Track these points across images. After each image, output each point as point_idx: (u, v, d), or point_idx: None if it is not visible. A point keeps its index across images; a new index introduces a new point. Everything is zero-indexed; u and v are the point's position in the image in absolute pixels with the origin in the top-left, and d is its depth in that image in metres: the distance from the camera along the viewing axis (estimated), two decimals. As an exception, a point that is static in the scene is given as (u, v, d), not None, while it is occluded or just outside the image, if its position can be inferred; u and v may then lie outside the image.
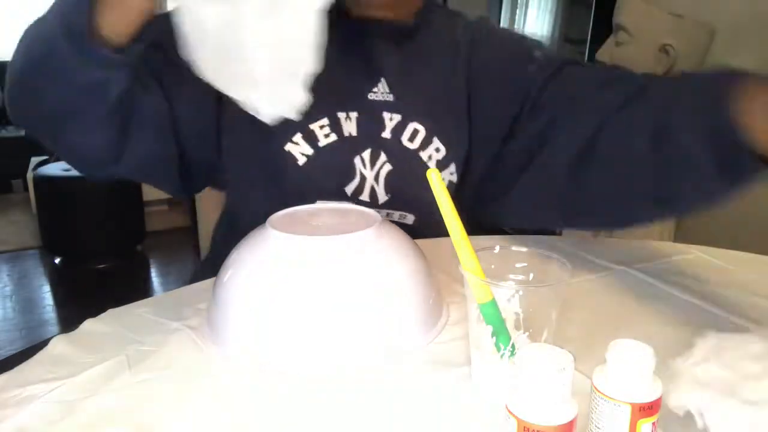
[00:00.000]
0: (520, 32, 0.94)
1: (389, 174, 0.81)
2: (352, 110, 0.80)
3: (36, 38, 0.66)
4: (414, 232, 0.70)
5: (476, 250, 0.52)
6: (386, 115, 0.81)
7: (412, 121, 0.82)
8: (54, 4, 0.65)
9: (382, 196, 0.82)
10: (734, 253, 0.83)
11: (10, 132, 4.05)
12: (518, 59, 0.84)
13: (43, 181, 2.85)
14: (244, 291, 0.59)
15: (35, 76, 0.66)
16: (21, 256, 3.07)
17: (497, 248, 0.54)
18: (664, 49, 1.80)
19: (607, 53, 1.93)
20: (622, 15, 1.84)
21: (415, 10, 0.86)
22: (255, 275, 0.59)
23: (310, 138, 0.79)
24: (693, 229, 2.15)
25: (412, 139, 0.82)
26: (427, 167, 0.79)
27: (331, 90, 0.73)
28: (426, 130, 0.82)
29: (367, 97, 0.81)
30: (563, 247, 0.86)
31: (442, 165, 0.83)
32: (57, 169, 2.87)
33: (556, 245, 0.87)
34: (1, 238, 3.28)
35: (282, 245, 0.59)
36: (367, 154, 0.81)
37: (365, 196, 0.82)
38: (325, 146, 0.80)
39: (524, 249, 0.54)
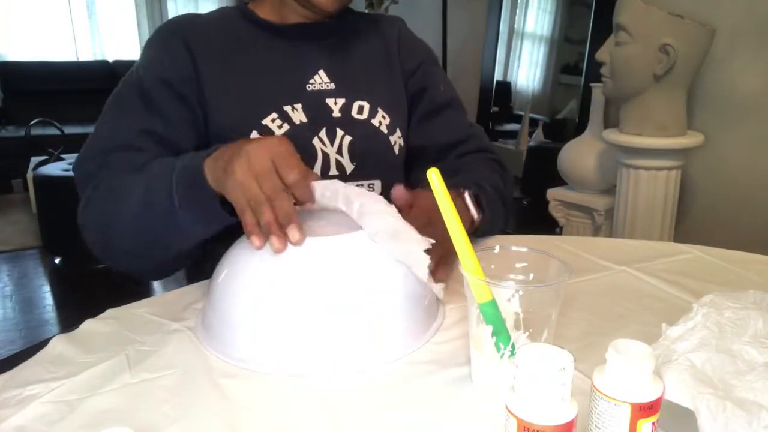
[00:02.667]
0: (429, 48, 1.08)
1: (351, 144, 0.89)
2: (296, 102, 0.88)
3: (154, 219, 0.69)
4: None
5: (476, 250, 0.52)
6: (329, 101, 0.90)
7: (355, 100, 0.92)
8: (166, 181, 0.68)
9: (349, 166, 0.89)
10: (734, 253, 0.83)
11: (10, 132, 4.05)
12: (426, 68, 1.00)
13: (43, 181, 2.85)
14: (239, 292, 0.59)
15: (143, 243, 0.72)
16: (21, 256, 3.07)
17: (497, 248, 0.54)
18: (664, 49, 1.80)
19: (607, 53, 1.93)
20: (622, 15, 1.84)
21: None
22: (250, 276, 0.59)
23: (267, 132, 0.85)
24: (693, 229, 2.15)
25: (360, 112, 0.91)
26: (382, 132, 0.92)
27: (275, 88, 0.87)
28: (369, 103, 0.92)
29: (306, 89, 0.89)
30: (563, 247, 0.86)
31: (390, 130, 0.93)
32: (57, 169, 2.87)
33: (556, 245, 0.87)
34: (1, 238, 3.28)
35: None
36: (323, 134, 0.88)
37: (333, 171, 0.89)
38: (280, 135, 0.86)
39: (524, 249, 0.54)
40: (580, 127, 2.67)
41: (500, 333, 0.49)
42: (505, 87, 3.66)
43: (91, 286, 2.75)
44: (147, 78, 0.83)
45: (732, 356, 0.45)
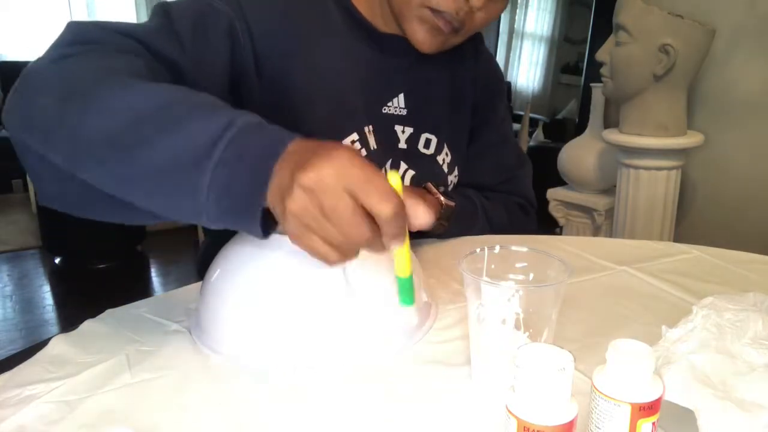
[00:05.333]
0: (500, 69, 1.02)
1: (413, 179, 0.85)
2: (371, 123, 0.81)
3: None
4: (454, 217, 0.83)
5: (476, 251, 0.52)
6: (398, 128, 0.84)
7: (423, 132, 0.86)
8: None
9: None
10: (734, 253, 0.83)
11: (10, 132, 4.05)
12: (495, 101, 0.95)
13: (43, 181, 2.84)
14: (232, 291, 0.59)
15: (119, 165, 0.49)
16: (21, 256, 3.07)
17: (497, 248, 0.54)
18: (664, 49, 1.80)
19: (607, 53, 1.93)
20: (622, 15, 1.84)
21: None
22: (243, 276, 0.59)
23: None
24: (693, 229, 2.15)
25: (427, 146, 0.86)
26: (443, 171, 0.87)
27: (356, 105, 0.78)
28: (437, 138, 0.87)
29: (381, 111, 0.82)
30: (563, 247, 0.86)
31: (450, 169, 0.89)
32: (57, 169, 2.87)
33: (556, 245, 0.87)
34: (1, 238, 3.28)
35: (269, 245, 0.58)
36: (388, 165, 0.83)
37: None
38: None
39: (524, 249, 0.54)
40: (580, 127, 2.68)
41: (407, 295, 0.52)
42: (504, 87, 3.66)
43: (91, 286, 2.75)
44: (223, 13, 0.69)
45: (732, 357, 0.45)
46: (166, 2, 0.69)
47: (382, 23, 0.81)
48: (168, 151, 0.47)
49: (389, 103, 0.83)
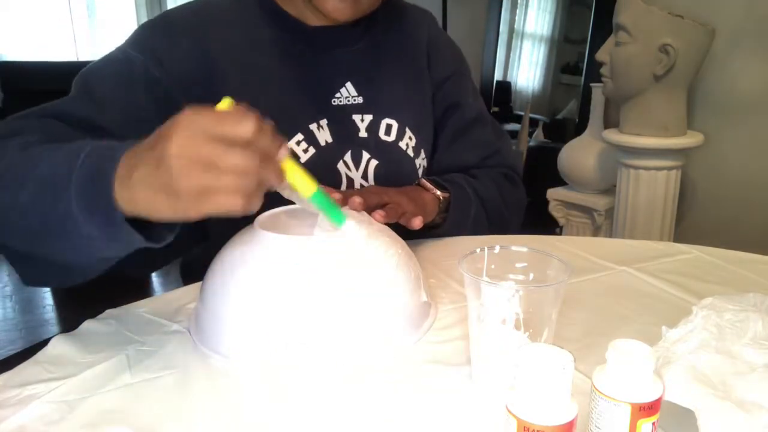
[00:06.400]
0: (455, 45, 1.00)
1: (377, 168, 0.84)
2: (321, 118, 0.81)
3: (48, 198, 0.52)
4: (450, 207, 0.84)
5: (476, 251, 0.52)
6: (356, 117, 0.83)
7: (383, 117, 0.85)
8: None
9: None
10: (734, 253, 0.83)
11: (10, 132, 4.05)
12: (462, 82, 0.95)
13: (43, 181, 2.84)
14: (232, 292, 0.58)
15: (35, 227, 0.54)
16: (21, 256, 3.06)
17: (497, 248, 0.54)
18: (664, 49, 1.80)
19: (607, 53, 1.93)
20: (622, 15, 1.84)
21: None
22: (243, 276, 0.59)
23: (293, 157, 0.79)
24: (693, 229, 2.15)
25: (388, 132, 0.85)
26: (408, 156, 0.87)
27: (298, 102, 0.79)
28: (398, 122, 0.86)
29: (332, 103, 0.82)
30: (563, 247, 0.86)
31: (416, 153, 0.88)
32: (57, 169, 2.87)
33: (556, 245, 0.87)
34: (1, 238, 3.27)
35: (270, 245, 0.58)
36: (348, 157, 0.83)
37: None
38: (306, 162, 0.80)
39: (524, 249, 0.54)
40: (580, 127, 2.67)
41: (332, 211, 0.55)
42: (505, 87, 3.66)
43: (91, 286, 2.74)
44: (137, 62, 0.72)
45: (732, 357, 0.45)
46: (85, 72, 0.74)
47: (312, 17, 0.80)
48: (38, 182, 0.53)
49: (337, 95, 0.82)
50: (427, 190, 0.83)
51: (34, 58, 4.49)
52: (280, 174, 0.49)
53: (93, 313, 0.66)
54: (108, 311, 0.67)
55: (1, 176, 0.56)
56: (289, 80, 0.80)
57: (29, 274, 0.63)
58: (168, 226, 0.53)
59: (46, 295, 2.67)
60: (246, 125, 0.46)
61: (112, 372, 0.55)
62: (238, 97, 0.69)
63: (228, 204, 0.46)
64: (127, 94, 0.73)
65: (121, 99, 0.72)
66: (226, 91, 0.72)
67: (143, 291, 2.76)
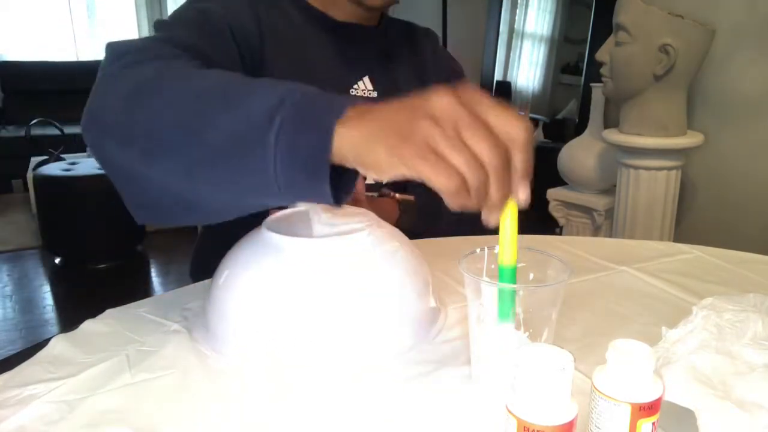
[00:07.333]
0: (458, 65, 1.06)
1: None
2: None
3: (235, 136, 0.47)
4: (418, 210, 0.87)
5: (476, 251, 0.52)
6: None
7: None
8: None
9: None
10: (735, 253, 0.83)
11: (10, 132, 4.05)
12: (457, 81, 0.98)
13: (43, 181, 2.84)
14: (240, 293, 0.59)
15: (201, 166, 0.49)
16: (21, 256, 3.06)
17: (497, 248, 0.54)
18: (664, 49, 1.80)
19: (607, 53, 1.93)
20: (622, 15, 1.84)
21: (379, 17, 0.93)
22: (252, 277, 0.59)
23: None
24: (693, 229, 2.15)
25: None
26: None
27: (322, 87, 0.77)
28: None
29: (349, 93, 0.86)
30: (563, 247, 0.86)
31: None
32: (57, 169, 2.87)
33: (556, 245, 0.87)
34: (1, 238, 3.27)
35: (279, 247, 0.59)
36: None
37: (369, 181, 0.87)
38: None
39: (524, 249, 0.54)
40: (580, 127, 2.67)
41: (506, 304, 0.47)
42: (505, 87, 3.65)
43: (91, 286, 2.75)
44: (214, 13, 0.74)
45: (732, 357, 0.45)
46: (165, 19, 0.74)
47: (338, 12, 0.86)
48: (232, 125, 0.47)
49: (355, 86, 0.87)
50: (383, 196, 0.88)
51: (34, 58, 4.49)
52: (503, 197, 0.43)
53: (93, 313, 0.66)
54: (108, 311, 0.67)
55: (198, 96, 0.50)
56: (316, 66, 0.84)
57: (149, 207, 0.58)
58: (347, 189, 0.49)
59: (46, 295, 2.67)
60: (521, 127, 0.41)
61: (112, 372, 0.55)
62: (275, 67, 0.69)
63: (440, 181, 0.41)
64: (213, 37, 0.72)
65: (216, 41, 0.72)
66: (266, 58, 0.78)
67: (143, 291, 2.76)
